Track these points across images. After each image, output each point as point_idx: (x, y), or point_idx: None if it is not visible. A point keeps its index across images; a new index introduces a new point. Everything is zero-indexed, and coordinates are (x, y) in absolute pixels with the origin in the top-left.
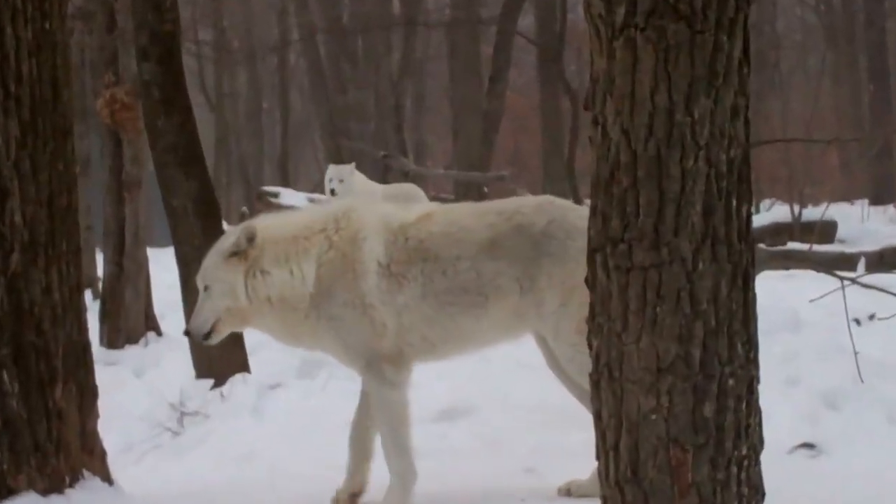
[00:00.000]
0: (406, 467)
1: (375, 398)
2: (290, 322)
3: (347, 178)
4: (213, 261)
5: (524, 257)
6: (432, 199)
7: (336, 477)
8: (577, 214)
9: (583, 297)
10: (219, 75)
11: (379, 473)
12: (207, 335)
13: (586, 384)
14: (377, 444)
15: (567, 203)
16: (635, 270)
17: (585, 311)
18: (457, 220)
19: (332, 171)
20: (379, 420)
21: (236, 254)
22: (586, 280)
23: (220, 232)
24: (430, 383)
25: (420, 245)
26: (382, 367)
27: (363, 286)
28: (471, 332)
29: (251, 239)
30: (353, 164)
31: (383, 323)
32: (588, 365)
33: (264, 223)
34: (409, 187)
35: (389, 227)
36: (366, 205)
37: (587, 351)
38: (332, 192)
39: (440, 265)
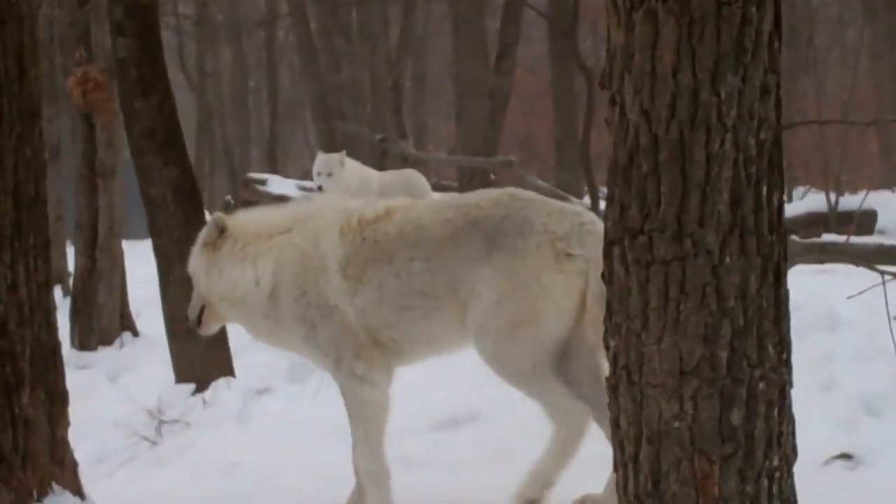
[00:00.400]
0: (378, 468)
1: (346, 396)
2: (251, 321)
3: (337, 171)
4: (193, 249)
5: (477, 254)
6: (434, 186)
7: (328, 489)
8: (535, 209)
9: (524, 298)
10: (201, 52)
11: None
12: (198, 325)
13: (512, 382)
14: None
15: (530, 196)
16: (656, 264)
17: (522, 313)
18: (414, 218)
19: (320, 162)
20: (350, 417)
21: (208, 244)
22: (603, 276)
23: (202, 223)
24: (431, 390)
25: (375, 246)
26: (353, 363)
27: (326, 287)
28: (437, 335)
29: (222, 230)
30: (342, 153)
31: (351, 321)
32: (509, 368)
33: (237, 217)
34: (410, 173)
35: (349, 228)
36: (331, 204)
37: (511, 355)
38: (320, 188)
39: (394, 268)
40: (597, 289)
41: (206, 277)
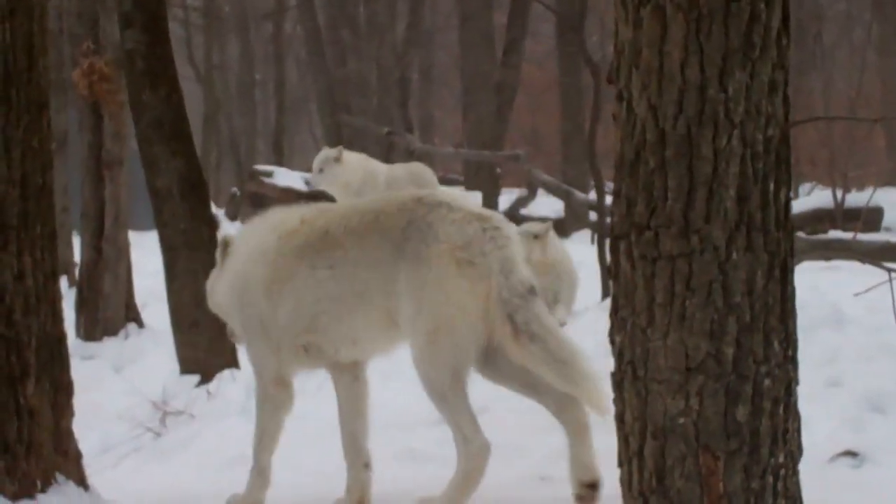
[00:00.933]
0: (261, 463)
1: (257, 407)
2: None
3: (328, 168)
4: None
5: (385, 262)
6: (440, 180)
7: (329, 484)
8: (438, 216)
9: (434, 306)
10: (208, 44)
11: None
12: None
13: (432, 391)
14: (368, 445)
15: (435, 201)
16: (662, 260)
17: (434, 321)
18: (323, 226)
19: (316, 159)
20: (256, 418)
21: (217, 262)
22: (610, 270)
23: (208, 214)
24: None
25: (290, 260)
26: (269, 386)
27: (256, 310)
28: (362, 337)
29: (225, 247)
30: (339, 148)
31: (277, 341)
32: (435, 372)
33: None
34: (418, 167)
35: (272, 244)
36: (269, 217)
37: (431, 363)
38: (308, 183)
39: (304, 277)
40: (496, 293)
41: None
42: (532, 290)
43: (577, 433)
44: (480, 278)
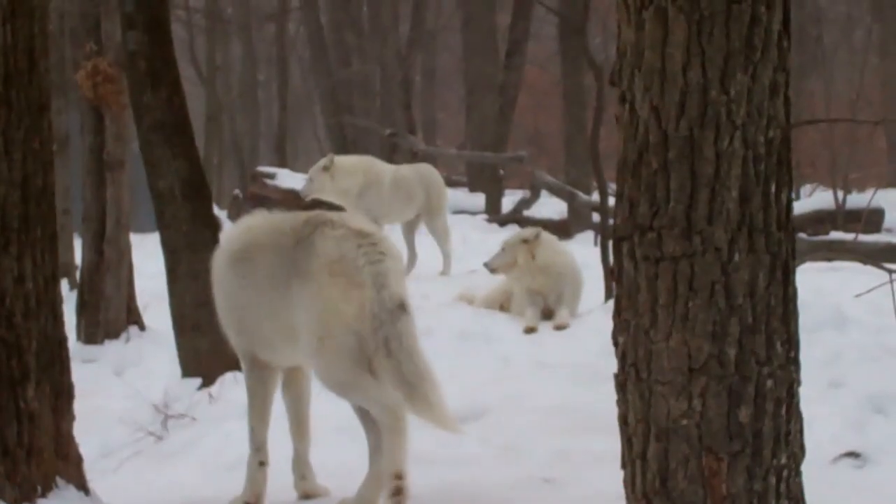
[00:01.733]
0: (253, 443)
1: (245, 384)
2: None
3: (316, 177)
4: None
5: (282, 278)
6: (444, 181)
7: (333, 485)
8: (322, 235)
9: (317, 317)
10: (211, 46)
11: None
12: None
13: (332, 387)
14: (307, 451)
15: (321, 219)
16: (665, 261)
17: (318, 331)
18: (251, 238)
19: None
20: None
21: None
22: (611, 271)
23: (210, 216)
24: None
25: (225, 266)
26: (246, 363)
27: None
28: (277, 348)
29: None
30: (329, 157)
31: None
32: (328, 373)
33: None
34: (426, 168)
35: (225, 246)
36: (243, 219)
37: (325, 370)
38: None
39: (232, 286)
40: (368, 307)
41: None
42: (402, 307)
43: (393, 431)
44: (353, 287)
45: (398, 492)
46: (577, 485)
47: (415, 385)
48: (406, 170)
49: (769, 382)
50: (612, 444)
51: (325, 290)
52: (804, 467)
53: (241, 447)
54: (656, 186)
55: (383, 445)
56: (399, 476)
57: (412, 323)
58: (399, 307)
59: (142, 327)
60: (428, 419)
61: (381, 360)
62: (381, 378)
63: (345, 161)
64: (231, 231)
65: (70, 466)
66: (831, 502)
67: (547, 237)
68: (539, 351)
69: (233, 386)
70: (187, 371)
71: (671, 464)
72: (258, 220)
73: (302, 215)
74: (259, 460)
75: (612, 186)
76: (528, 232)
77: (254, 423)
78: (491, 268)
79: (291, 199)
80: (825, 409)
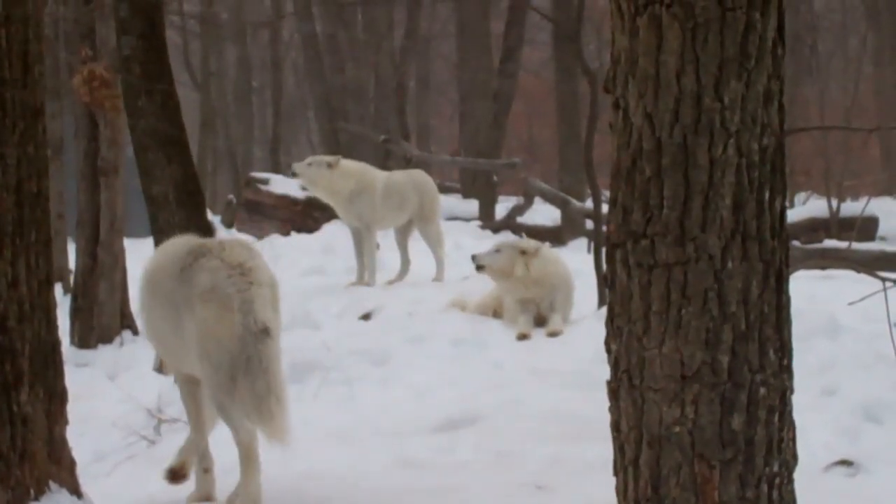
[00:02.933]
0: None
1: None
2: None
3: (316, 168)
4: None
5: (172, 303)
6: (437, 188)
7: (327, 490)
8: (199, 264)
9: (196, 334)
10: (205, 51)
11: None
12: None
13: (212, 403)
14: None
15: (204, 250)
16: (658, 268)
17: (201, 346)
18: (162, 260)
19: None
20: None
21: None
22: (605, 278)
23: (204, 222)
24: (432, 392)
25: (144, 294)
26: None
27: None
28: (184, 363)
29: None
30: (337, 157)
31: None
32: (210, 389)
33: None
34: (419, 175)
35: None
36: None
37: (209, 381)
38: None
39: (151, 302)
40: (236, 330)
41: None
42: (265, 331)
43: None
44: (225, 311)
45: None
46: (569, 491)
47: (262, 398)
48: (399, 176)
49: (762, 390)
50: (604, 450)
51: (201, 315)
52: (797, 475)
53: (233, 451)
54: (650, 193)
55: (240, 473)
56: None
57: (274, 346)
58: (262, 331)
59: (135, 332)
60: (266, 430)
61: (242, 379)
62: (241, 397)
63: (346, 164)
64: (153, 253)
65: (63, 470)
66: None
67: (545, 251)
68: (532, 358)
69: None
70: None
71: (663, 471)
72: (170, 245)
73: (192, 243)
74: (203, 467)
75: (606, 193)
76: (529, 244)
77: (192, 433)
78: (478, 263)
79: (285, 205)
80: (818, 417)
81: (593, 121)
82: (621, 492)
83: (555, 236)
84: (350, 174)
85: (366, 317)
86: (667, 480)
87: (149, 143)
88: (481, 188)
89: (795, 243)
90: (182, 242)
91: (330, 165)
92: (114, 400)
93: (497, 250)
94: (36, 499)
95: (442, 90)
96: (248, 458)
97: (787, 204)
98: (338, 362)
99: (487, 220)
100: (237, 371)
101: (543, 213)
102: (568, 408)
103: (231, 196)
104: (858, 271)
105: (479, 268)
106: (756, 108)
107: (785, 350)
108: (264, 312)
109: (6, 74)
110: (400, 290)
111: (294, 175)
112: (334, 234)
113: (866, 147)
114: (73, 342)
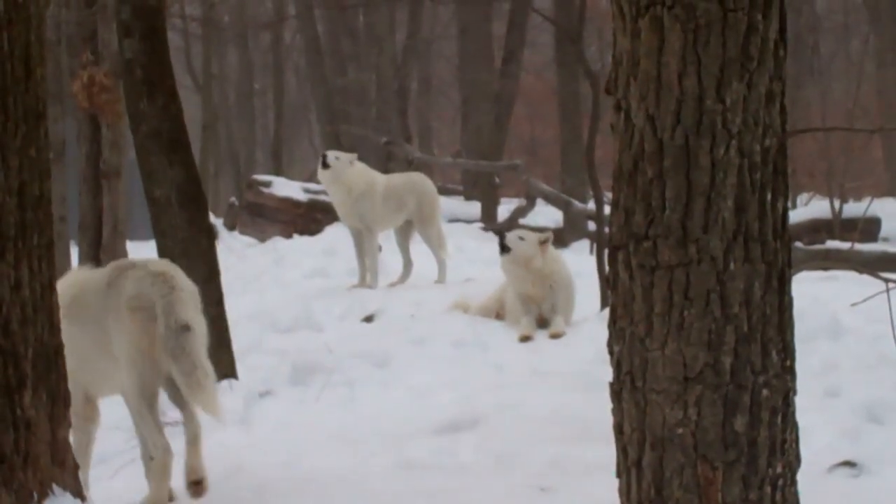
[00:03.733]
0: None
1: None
2: None
3: (343, 162)
4: None
5: (100, 318)
6: (438, 190)
7: (329, 493)
8: (125, 277)
9: (123, 342)
10: (207, 54)
11: None
12: None
13: (130, 410)
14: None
15: (127, 264)
16: (661, 270)
17: (126, 354)
18: (81, 282)
19: (335, 153)
20: None
21: None
22: (607, 280)
23: (206, 224)
24: (433, 394)
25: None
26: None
27: None
28: (116, 377)
29: None
30: (354, 155)
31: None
32: (129, 396)
33: None
34: (418, 177)
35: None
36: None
37: (129, 388)
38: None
39: (69, 329)
40: (160, 330)
41: None
42: (185, 327)
43: (191, 442)
44: (149, 320)
45: None
46: (571, 493)
47: (189, 373)
48: (397, 178)
49: (765, 391)
50: (607, 452)
51: (127, 325)
52: (800, 477)
53: (234, 455)
54: (652, 195)
55: (147, 484)
56: None
57: (196, 339)
58: (183, 328)
59: None
60: (198, 402)
61: (171, 366)
62: (175, 378)
63: (360, 165)
64: (62, 286)
65: (66, 473)
66: None
67: (551, 247)
68: (534, 359)
69: (228, 393)
70: None
71: (666, 473)
72: (81, 271)
73: (113, 263)
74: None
75: (608, 195)
76: (541, 235)
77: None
78: (505, 244)
79: (288, 207)
80: (821, 418)
81: (595, 122)
82: (624, 493)
83: (557, 238)
84: (361, 174)
85: (368, 319)
86: (670, 482)
87: (151, 146)
88: (483, 190)
89: (798, 244)
90: (96, 271)
91: (351, 163)
92: (115, 402)
93: (521, 238)
94: (39, 502)
95: (444, 92)
96: (159, 472)
97: (790, 205)
98: (340, 364)
99: (489, 221)
100: (162, 369)
101: (545, 215)
102: (570, 409)
103: (233, 198)
104: (861, 272)
105: (504, 249)
106: (758, 109)
107: (787, 351)
108: (185, 313)
109: (8, 78)
110: (402, 293)
111: (325, 163)
112: (336, 237)
113: (868, 148)
114: None
